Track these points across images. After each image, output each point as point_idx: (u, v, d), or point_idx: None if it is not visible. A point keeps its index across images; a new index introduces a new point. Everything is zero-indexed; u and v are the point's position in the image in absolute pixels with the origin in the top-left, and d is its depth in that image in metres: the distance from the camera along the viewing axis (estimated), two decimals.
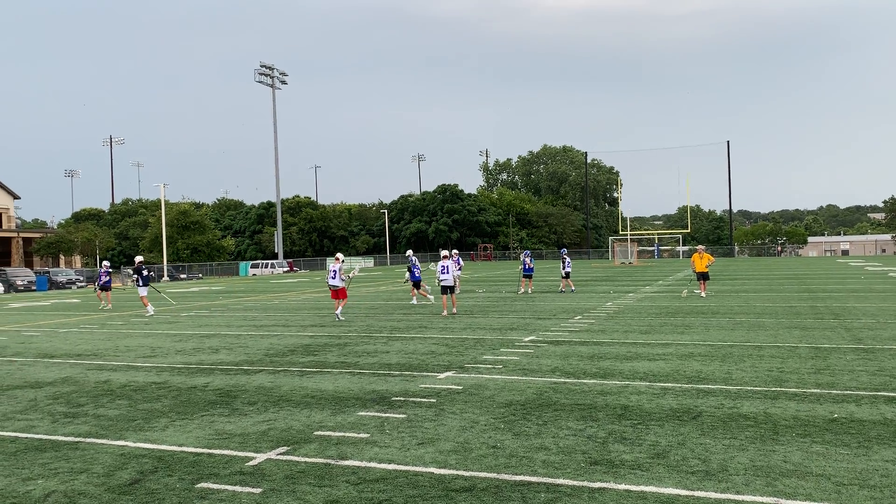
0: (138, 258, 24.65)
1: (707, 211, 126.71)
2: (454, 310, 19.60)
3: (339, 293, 18.90)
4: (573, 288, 28.14)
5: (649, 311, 19.16)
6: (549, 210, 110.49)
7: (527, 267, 27.30)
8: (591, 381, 9.53)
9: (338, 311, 18.66)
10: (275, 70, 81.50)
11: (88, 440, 7.18)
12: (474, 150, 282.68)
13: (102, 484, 5.79)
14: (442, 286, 19.68)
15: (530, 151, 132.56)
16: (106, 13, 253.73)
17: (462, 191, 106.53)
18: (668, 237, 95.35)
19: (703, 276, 24.00)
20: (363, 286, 37.12)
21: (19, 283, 48.63)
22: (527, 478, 5.66)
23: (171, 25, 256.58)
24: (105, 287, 26.72)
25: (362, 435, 7.04)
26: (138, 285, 23.39)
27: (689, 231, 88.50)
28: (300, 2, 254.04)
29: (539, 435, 6.91)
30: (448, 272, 19.66)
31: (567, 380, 9.65)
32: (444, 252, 20.75)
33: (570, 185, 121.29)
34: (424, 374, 10.34)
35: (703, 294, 23.42)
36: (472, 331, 15.49)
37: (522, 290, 27.30)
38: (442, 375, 10.15)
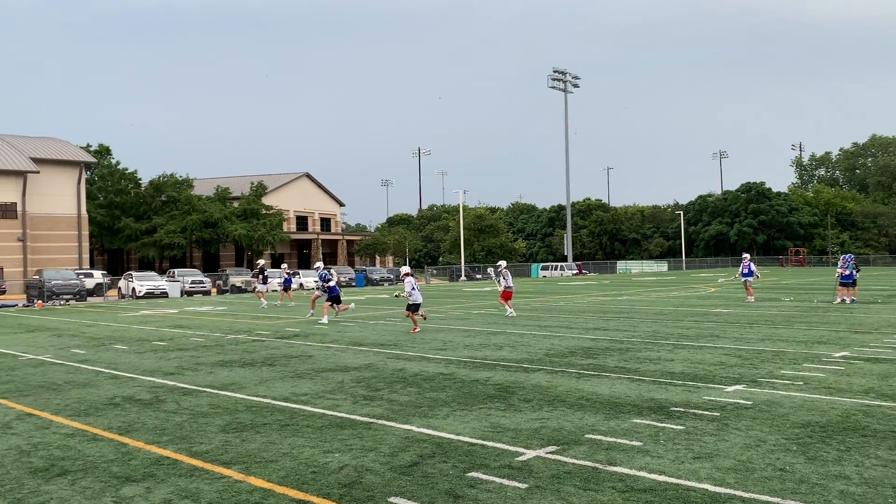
0: (261, 261, 31.52)
1: None
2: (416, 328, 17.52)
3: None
4: (853, 298, 24.22)
5: None
6: (879, 209, 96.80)
7: (845, 274, 24.18)
8: None
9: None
10: (567, 74, 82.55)
11: (380, 422, 7.87)
12: (784, 145, 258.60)
13: (387, 463, 6.30)
14: (409, 304, 17.56)
15: (855, 143, 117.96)
16: (412, 35, 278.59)
17: (769, 189, 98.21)
18: None
19: None
20: (651, 290, 35.97)
21: (342, 279, 55.50)
22: None
23: (468, 41, 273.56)
24: (286, 287, 31.18)
25: (635, 442, 6.78)
26: (262, 283, 29.51)
27: None
28: (594, 9, 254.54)
29: (839, 462, 6.06)
30: (415, 290, 17.56)
31: (884, 403, 8.35)
32: (406, 269, 18.96)
33: None
34: (710, 385, 9.67)
35: None
36: (770, 342, 14.15)
37: (839, 299, 24.23)
38: (730, 388, 9.40)
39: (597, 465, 6.12)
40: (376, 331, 18.07)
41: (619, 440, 6.87)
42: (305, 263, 78.40)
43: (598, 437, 7.02)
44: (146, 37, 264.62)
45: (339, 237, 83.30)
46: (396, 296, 17.76)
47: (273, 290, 37.84)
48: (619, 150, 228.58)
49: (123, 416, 8.45)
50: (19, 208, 52.01)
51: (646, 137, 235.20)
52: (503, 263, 23.28)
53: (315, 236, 79.45)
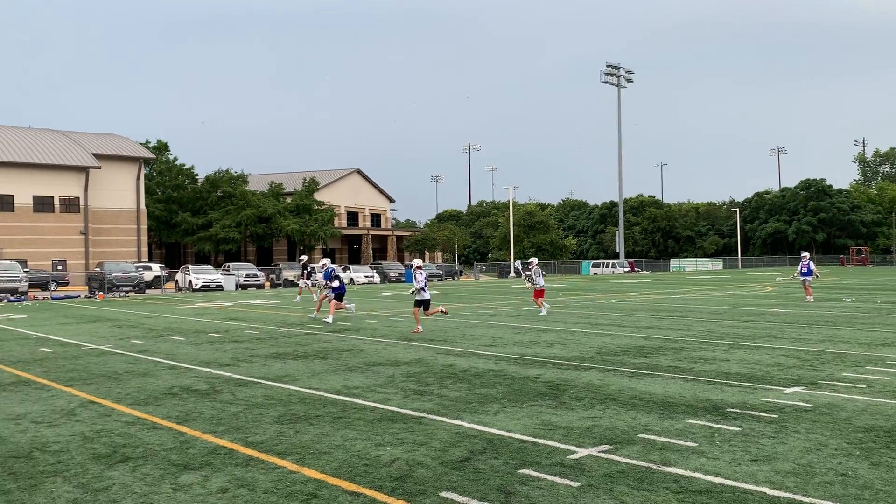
0: (304, 257, 32.01)
1: None
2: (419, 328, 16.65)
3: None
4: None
5: None
6: None
7: None
8: None
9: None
10: (620, 69, 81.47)
11: (431, 416, 7.90)
12: (846, 141, 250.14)
13: (438, 458, 6.32)
14: (417, 300, 16.78)
15: None
16: (463, 32, 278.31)
17: (830, 186, 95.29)
18: None
19: None
20: (706, 289, 35.28)
21: (392, 274, 55.91)
22: None
23: (520, 36, 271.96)
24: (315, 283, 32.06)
25: (689, 443, 6.66)
26: (306, 279, 29.38)
27: None
28: (647, 2, 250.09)
29: None
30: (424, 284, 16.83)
31: None
32: (418, 262, 17.62)
33: None
34: (767, 387, 9.43)
35: None
36: (831, 343, 13.73)
37: None
38: (788, 390, 9.16)
39: (650, 465, 6.03)
40: (425, 326, 18.13)
41: (673, 440, 6.76)
42: (356, 258, 79.23)
43: (652, 436, 6.92)
44: (204, 37, 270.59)
45: (389, 233, 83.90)
46: (413, 293, 16.68)
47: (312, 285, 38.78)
48: (673, 145, 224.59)
49: (181, 406, 8.66)
50: (82, 203, 53.79)
51: (700, 133, 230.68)
52: (534, 261, 22.52)
53: (365, 232, 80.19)
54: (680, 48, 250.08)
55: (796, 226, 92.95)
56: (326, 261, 20.88)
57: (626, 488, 5.46)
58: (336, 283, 19.63)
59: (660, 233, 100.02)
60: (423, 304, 16.71)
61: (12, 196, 51.17)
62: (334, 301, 19.46)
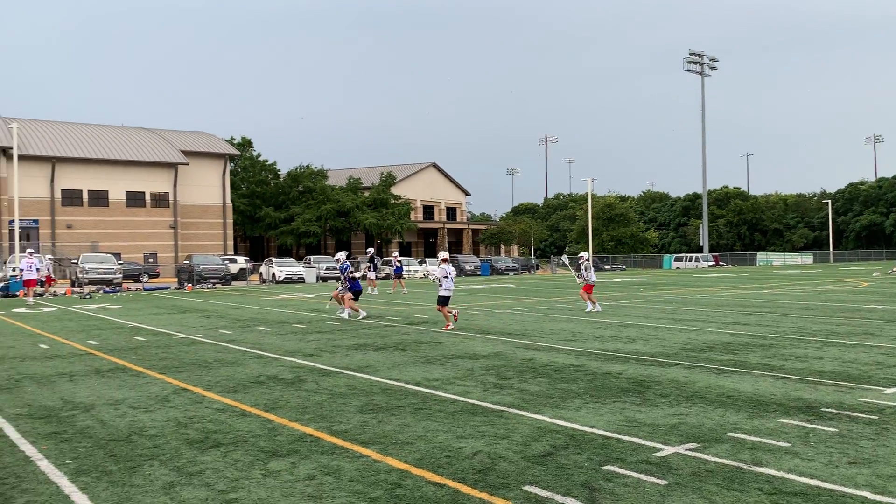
0: (371, 250, 32.34)
1: None
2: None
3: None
4: None
5: None
6: None
7: None
8: None
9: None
10: (704, 57, 79.09)
11: (511, 410, 7.87)
12: None
13: (520, 451, 6.29)
14: (439, 296, 16.31)
15: None
16: (539, 23, 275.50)
17: None
18: None
19: None
20: (795, 284, 33.89)
21: (467, 268, 56.01)
22: None
23: (597, 25, 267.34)
24: (398, 274, 32.98)
25: (782, 443, 6.40)
26: (372, 271, 30.02)
27: None
28: None
29: None
30: (450, 280, 16.37)
31: None
32: (444, 254, 17.13)
33: None
34: (866, 386, 8.98)
35: None
36: None
37: None
38: (889, 391, 8.70)
39: (741, 464, 5.83)
40: (503, 320, 18.10)
41: (764, 440, 6.52)
42: (431, 252, 79.74)
43: (742, 435, 6.69)
44: (283, 36, 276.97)
45: (465, 226, 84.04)
46: (437, 285, 16.24)
47: (383, 278, 39.50)
48: (759, 135, 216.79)
49: (268, 394, 8.92)
50: (171, 198, 56.07)
51: (789, 122, 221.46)
52: (585, 255, 21.29)
53: (441, 225, 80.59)
54: (767, 34, 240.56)
55: (894, 218, 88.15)
56: (342, 255, 19.93)
57: (715, 488, 5.30)
58: (358, 275, 19.18)
59: (745, 225, 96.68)
60: (444, 302, 16.14)
61: (107, 192, 53.78)
62: (348, 295, 18.88)
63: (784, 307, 20.88)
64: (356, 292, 19.07)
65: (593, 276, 20.35)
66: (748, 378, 9.60)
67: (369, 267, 31.67)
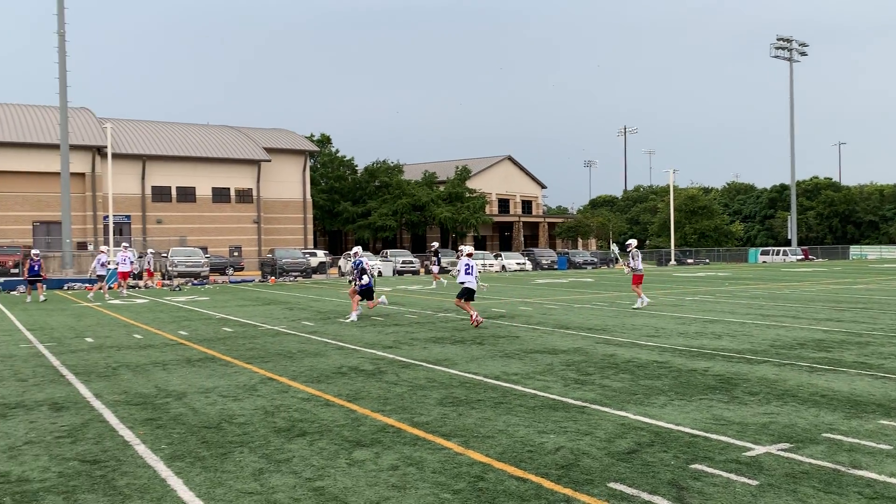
0: (435, 244, 31.94)
1: None
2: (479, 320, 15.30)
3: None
4: None
5: None
6: None
7: None
8: None
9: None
10: (793, 42, 75.91)
11: (593, 406, 7.75)
12: None
13: (604, 448, 6.19)
14: (462, 289, 15.65)
15: None
16: (618, 10, 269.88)
17: None
18: None
19: None
20: (893, 279, 32.14)
21: (544, 262, 55.57)
22: None
23: (679, 11, 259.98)
24: (444, 269, 32.49)
25: (882, 446, 6.09)
26: (436, 265, 29.50)
27: None
28: None
29: None
30: (472, 273, 15.70)
31: None
32: (468, 249, 16.28)
33: None
34: None
35: None
36: None
37: None
38: None
39: (838, 466, 5.57)
40: (582, 314, 17.87)
41: (863, 442, 6.21)
42: (507, 246, 79.47)
43: (838, 437, 6.39)
44: (361, 35, 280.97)
45: (541, 219, 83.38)
46: (483, 288, 15.63)
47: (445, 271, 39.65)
48: (851, 123, 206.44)
49: (351, 385, 9.07)
50: (254, 193, 57.79)
51: (884, 109, 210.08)
52: (633, 242, 20.08)
53: (516, 219, 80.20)
54: (859, 19, 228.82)
55: None
56: (358, 249, 18.36)
57: (811, 490, 5.08)
58: (365, 280, 17.29)
59: (837, 218, 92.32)
60: (466, 294, 15.65)
61: (194, 188, 55.87)
62: (358, 296, 17.40)
63: (881, 303, 19.86)
64: (367, 292, 17.44)
65: (641, 266, 19.65)
66: (843, 377, 9.17)
67: (433, 261, 31.84)
